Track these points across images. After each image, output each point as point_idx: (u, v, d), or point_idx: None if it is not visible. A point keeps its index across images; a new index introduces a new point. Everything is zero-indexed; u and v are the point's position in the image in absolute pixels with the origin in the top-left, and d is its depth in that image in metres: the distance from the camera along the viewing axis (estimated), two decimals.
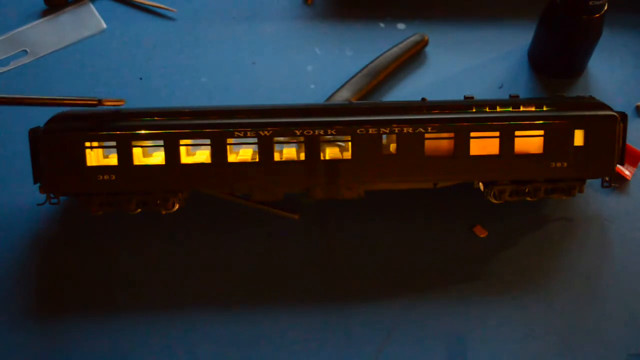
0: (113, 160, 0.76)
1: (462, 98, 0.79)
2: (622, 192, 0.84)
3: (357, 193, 0.77)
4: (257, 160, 0.74)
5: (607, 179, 0.79)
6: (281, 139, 0.74)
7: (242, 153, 0.78)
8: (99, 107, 0.75)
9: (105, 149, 0.77)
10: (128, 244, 0.80)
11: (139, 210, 0.77)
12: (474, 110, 0.75)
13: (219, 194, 0.80)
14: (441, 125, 0.74)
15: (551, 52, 0.90)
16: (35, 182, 0.75)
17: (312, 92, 0.91)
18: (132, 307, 0.77)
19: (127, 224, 0.81)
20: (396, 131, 0.74)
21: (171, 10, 0.97)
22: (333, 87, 0.90)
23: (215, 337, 0.75)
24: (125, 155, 0.74)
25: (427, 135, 0.74)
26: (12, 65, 0.93)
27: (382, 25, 0.97)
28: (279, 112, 0.75)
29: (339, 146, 0.78)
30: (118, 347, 0.74)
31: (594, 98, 0.78)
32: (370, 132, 0.74)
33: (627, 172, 0.85)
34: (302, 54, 0.94)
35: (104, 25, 0.96)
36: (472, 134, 0.74)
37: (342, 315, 0.76)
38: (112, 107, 0.77)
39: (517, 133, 0.74)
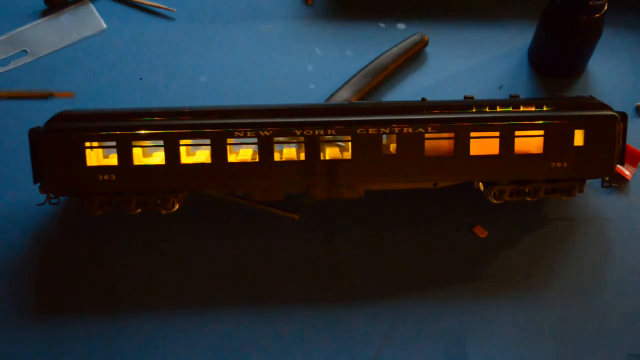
0: (113, 160, 0.76)
1: (462, 98, 0.79)
2: (622, 192, 0.84)
3: (357, 193, 0.77)
4: (257, 160, 0.74)
5: (607, 179, 0.79)
6: (281, 139, 0.74)
7: (242, 153, 0.78)
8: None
9: (105, 149, 0.77)
10: (128, 244, 0.80)
11: (139, 210, 0.77)
12: (474, 110, 0.75)
13: (219, 194, 0.80)
14: (441, 125, 0.74)
15: (551, 52, 0.90)
16: (35, 182, 0.75)
17: (312, 92, 0.91)
18: (132, 307, 0.77)
19: (127, 224, 0.81)
20: (396, 131, 0.74)
21: (171, 10, 0.97)
22: (333, 87, 0.90)
23: (215, 337, 0.75)
24: (125, 155, 0.74)
25: (427, 135, 0.74)
26: (12, 65, 0.93)
27: (382, 25, 0.97)
28: (279, 112, 0.75)
29: (339, 146, 0.78)
30: (118, 347, 0.74)
31: (594, 98, 0.78)
32: (370, 132, 0.74)
33: (627, 172, 0.85)
34: (302, 54, 0.94)
35: (104, 25, 0.96)
36: (472, 134, 0.74)
37: (342, 315, 0.76)
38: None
39: (517, 133, 0.74)
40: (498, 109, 0.76)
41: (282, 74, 0.92)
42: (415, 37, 0.93)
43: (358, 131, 0.74)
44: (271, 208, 0.82)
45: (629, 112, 0.88)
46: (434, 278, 0.78)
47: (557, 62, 0.91)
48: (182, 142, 0.74)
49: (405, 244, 0.80)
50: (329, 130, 0.74)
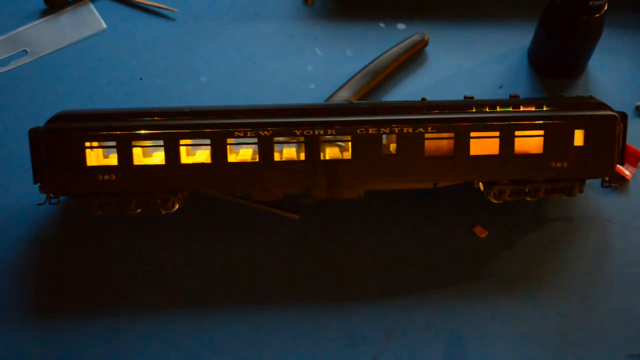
0: (113, 160, 0.76)
1: (462, 98, 0.79)
2: (622, 192, 0.84)
3: (357, 193, 0.77)
4: (257, 160, 0.74)
5: (607, 179, 0.79)
6: (281, 139, 0.74)
7: (242, 153, 0.78)
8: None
9: (105, 149, 0.77)
10: (128, 244, 0.80)
11: (139, 210, 0.77)
12: (474, 110, 0.75)
13: (219, 194, 0.80)
14: (441, 125, 0.74)
15: (551, 52, 0.90)
16: (35, 182, 0.75)
17: (312, 92, 0.91)
18: (132, 308, 0.77)
19: (127, 224, 0.81)
20: (396, 131, 0.74)
21: (171, 10, 0.97)
22: (333, 87, 0.90)
23: (215, 337, 0.75)
24: (125, 155, 0.74)
25: (427, 135, 0.74)
26: (12, 65, 0.93)
27: (382, 25, 0.97)
28: (279, 112, 0.75)
29: (339, 146, 0.78)
30: (118, 348, 0.74)
31: (594, 98, 0.78)
32: (370, 132, 0.74)
33: (627, 172, 0.85)
34: (302, 54, 0.94)
35: (104, 25, 0.96)
36: (472, 134, 0.74)
37: (342, 315, 0.76)
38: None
39: (517, 133, 0.74)
40: (498, 109, 0.76)
41: (282, 74, 0.92)
42: (415, 37, 0.93)
43: (358, 131, 0.74)
44: (271, 208, 0.82)
45: (629, 112, 0.88)
46: (433, 278, 0.78)
47: (557, 62, 0.91)
48: (182, 142, 0.74)
49: (405, 244, 0.80)
50: (329, 130, 0.74)
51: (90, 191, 0.75)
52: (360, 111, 0.75)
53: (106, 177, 0.74)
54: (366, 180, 0.75)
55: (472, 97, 0.79)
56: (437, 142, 0.76)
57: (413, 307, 0.77)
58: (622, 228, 0.82)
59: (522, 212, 0.82)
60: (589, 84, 0.92)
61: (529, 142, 0.76)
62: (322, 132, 0.74)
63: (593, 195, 0.83)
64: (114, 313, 0.76)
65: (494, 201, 0.77)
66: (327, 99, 0.88)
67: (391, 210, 0.82)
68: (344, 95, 0.87)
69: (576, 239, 0.81)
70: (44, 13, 0.97)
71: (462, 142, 0.74)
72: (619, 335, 0.75)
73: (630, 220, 0.82)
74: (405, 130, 0.74)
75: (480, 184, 0.78)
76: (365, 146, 0.74)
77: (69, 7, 0.98)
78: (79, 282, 0.78)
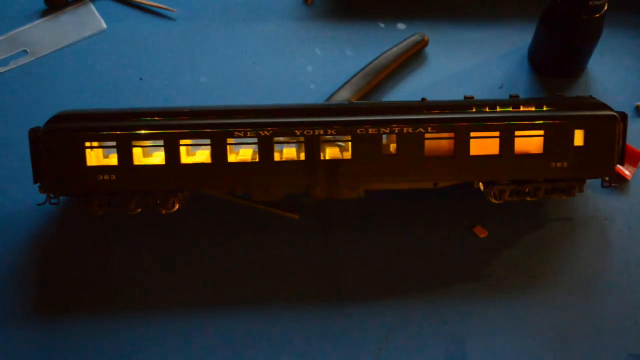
0: (113, 160, 0.76)
1: (462, 98, 0.79)
2: (622, 192, 0.84)
3: (357, 193, 0.77)
4: (257, 160, 0.74)
5: (607, 179, 0.79)
6: (281, 139, 0.74)
7: (242, 153, 0.78)
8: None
9: (105, 149, 0.77)
10: (128, 244, 0.80)
11: (139, 210, 0.77)
12: (474, 110, 0.75)
13: (219, 194, 0.80)
14: (441, 125, 0.74)
15: (551, 52, 0.90)
16: (35, 182, 0.75)
17: (312, 92, 0.91)
18: (132, 308, 0.77)
19: (127, 224, 0.81)
20: (396, 131, 0.74)
21: (171, 10, 0.97)
22: (333, 87, 0.90)
23: (215, 337, 0.75)
24: (125, 155, 0.74)
25: (427, 135, 0.74)
26: (12, 65, 0.93)
27: (382, 25, 0.97)
28: (279, 112, 0.75)
29: (339, 146, 0.78)
30: (118, 348, 0.74)
31: (594, 98, 0.78)
32: (370, 132, 0.74)
33: (627, 172, 0.85)
34: (302, 54, 0.94)
35: (104, 25, 0.96)
36: (472, 134, 0.74)
37: (342, 315, 0.76)
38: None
39: (517, 133, 0.74)
40: (498, 109, 0.76)
41: (282, 74, 0.92)
42: (415, 37, 0.93)
43: (358, 131, 0.74)
44: (271, 208, 0.82)
45: (629, 112, 0.88)
46: (434, 278, 0.78)
47: (557, 62, 0.91)
48: (182, 142, 0.74)
49: (405, 244, 0.80)
50: (329, 130, 0.74)
51: (90, 191, 0.75)
52: (360, 111, 0.75)
53: (106, 177, 0.74)
54: (366, 180, 0.75)
55: (472, 97, 0.79)
56: (437, 142, 0.76)
57: (413, 307, 0.77)
58: (622, 228, 0.82)
59: (522, 212, 0.82)
60: (589, 84, 0.92)
61: (529, 142, 0.76)
62: (322, 132, 0.74)
63: (593, 195, 0.83)
64: (113, 313, 0.76)
65: (494, 201, 0.77)
66: (327, 99, 0.88)
67: (391, 210, 0.82)
68: (344, 95, 0.87)
69: (576, 239, 0.81)
70: (44, 13, 0.97)
71: (462, 142, 0.74)
72: (619, 335, 0.75)
73: (630, 220, 0.82)
74: (405, 130, 0.74)
75: (480, 184, 0.78)
76: (365, 146, 0.74)
77: (69, 7, 0.98)
78: (78, 282, 0.78)
